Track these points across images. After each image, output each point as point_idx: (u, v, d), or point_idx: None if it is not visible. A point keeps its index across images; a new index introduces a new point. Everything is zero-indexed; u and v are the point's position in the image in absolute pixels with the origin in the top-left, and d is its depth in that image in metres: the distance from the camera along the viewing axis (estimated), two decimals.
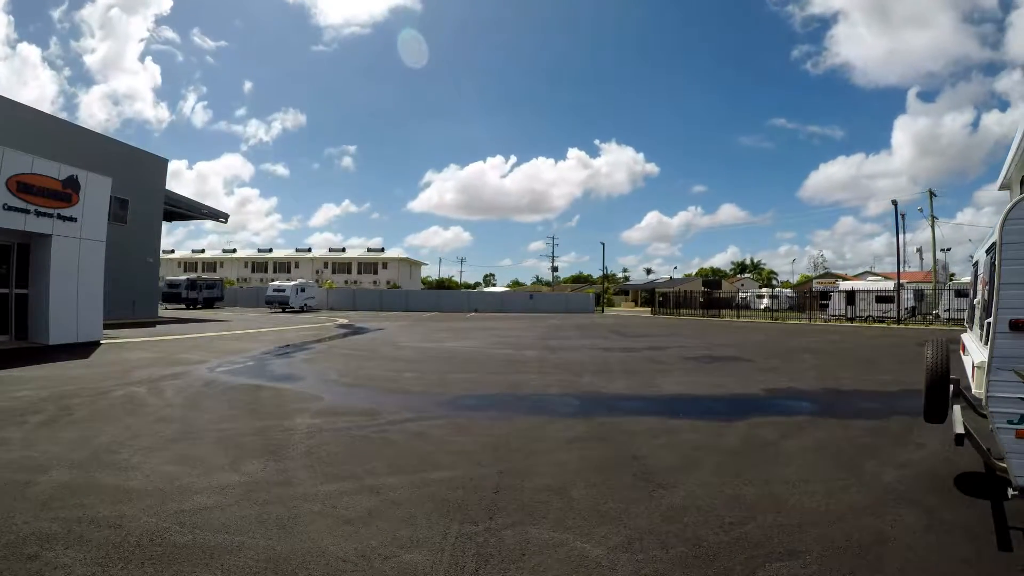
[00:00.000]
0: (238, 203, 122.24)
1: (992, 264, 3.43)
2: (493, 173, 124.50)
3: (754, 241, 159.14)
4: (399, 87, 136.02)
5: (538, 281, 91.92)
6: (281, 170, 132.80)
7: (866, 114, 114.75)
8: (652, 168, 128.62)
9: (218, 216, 36.08)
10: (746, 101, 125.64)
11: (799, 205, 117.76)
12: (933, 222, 40.36)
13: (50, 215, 13.27)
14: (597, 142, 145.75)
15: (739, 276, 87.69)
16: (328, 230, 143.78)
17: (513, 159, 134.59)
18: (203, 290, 46.67)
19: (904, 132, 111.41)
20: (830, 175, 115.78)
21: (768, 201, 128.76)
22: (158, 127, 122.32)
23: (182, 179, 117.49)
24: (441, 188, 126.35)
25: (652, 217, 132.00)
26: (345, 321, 29.38)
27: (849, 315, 34.66)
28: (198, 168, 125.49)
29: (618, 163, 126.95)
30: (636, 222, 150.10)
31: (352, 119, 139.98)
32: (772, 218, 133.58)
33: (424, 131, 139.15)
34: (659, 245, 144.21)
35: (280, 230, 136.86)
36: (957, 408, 4.03)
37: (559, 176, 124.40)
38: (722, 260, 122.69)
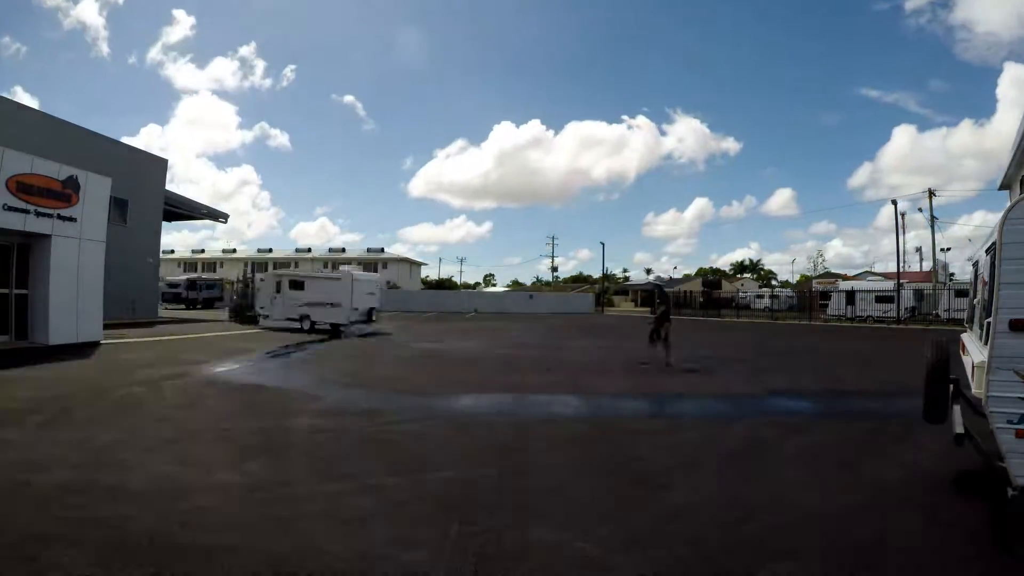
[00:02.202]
0: (235, 184, 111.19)
1: (992, 264, 3.43)
2: (529, 150, 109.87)
3: (782, 237, 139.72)
4: (415, 50, 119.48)
5: (538, 281, 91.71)
6: (281, 139, 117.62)
7: (968, 84, 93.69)
8: (732, 145, 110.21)
9: (218, 216, 36.02)
10: (841, 65, 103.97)
11: (853, 193, 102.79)
12: (933, 222, 40.38)
13: (50, 215, 13.24)
14: (646, 109, 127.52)
15: (739, 276, 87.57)
16: (331, 217, 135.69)
17: (553, 134, 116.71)
18: (203, 290, 46.56)
19: (1012, 106, 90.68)
20: (911, 154, 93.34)
21: (827, 184, 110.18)
22: (118, 73, 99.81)
23: (163, 154, 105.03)
24: (467, 166, 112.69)
25: (696, 206, 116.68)
26: None
27: (849, 315, 34.62)
28: (181, 145, 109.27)
29: (687, 138, 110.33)
30: (682, 209, 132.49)
31: (360, 81, 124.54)
32: (818, 208, 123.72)
33: (447, 100, 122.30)
34: (686, 240, 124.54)
35: (279, 219, 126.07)
36: (957, 408, 4.03)
37: (599, 159, 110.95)
38: (741, 256, 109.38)
